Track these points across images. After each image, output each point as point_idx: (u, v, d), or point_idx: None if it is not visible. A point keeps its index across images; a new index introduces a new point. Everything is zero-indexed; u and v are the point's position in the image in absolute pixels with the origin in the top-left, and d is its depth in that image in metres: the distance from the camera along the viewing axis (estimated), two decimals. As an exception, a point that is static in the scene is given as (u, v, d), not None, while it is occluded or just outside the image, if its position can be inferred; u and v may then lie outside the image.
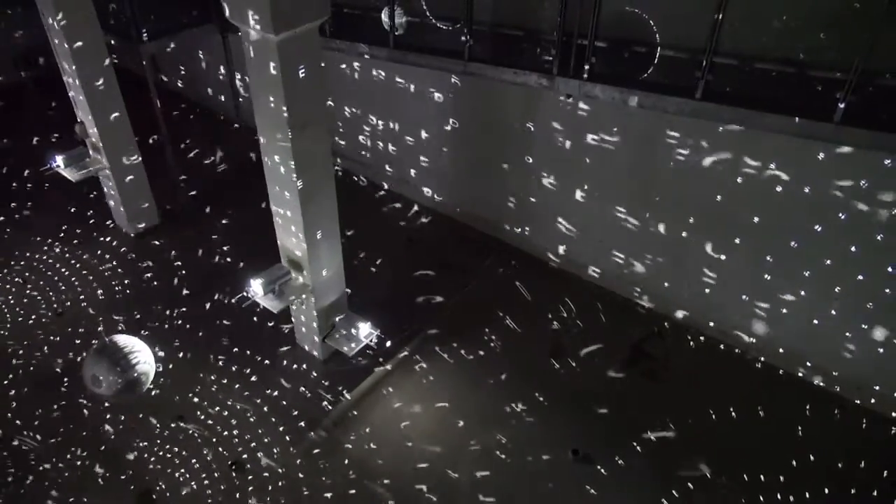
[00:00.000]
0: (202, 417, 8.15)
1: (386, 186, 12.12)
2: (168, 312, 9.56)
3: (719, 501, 7.20)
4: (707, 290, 8.80)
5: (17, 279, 10.25)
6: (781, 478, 7.29)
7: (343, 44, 9.31)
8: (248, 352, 8.95)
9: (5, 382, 8.63)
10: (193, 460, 7.68)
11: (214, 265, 10.36)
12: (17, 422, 8.13)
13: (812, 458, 7.45)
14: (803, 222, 7.51)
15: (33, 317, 9.61)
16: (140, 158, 10.61)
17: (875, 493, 7.17)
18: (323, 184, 7.41)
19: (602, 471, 7.51)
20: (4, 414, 8.23)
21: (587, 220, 9.50)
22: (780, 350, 8.51)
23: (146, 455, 7.75)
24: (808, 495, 7.16)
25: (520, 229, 10.55)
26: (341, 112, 11.69)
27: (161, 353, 8.73)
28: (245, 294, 7.72)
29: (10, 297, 9.92)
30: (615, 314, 9.41)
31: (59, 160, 10.03)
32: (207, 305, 9.63)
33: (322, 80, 6.82)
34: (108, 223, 11.33)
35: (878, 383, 7.90)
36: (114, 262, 10.58)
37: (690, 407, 8.07)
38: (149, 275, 10.29)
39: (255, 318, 9.19)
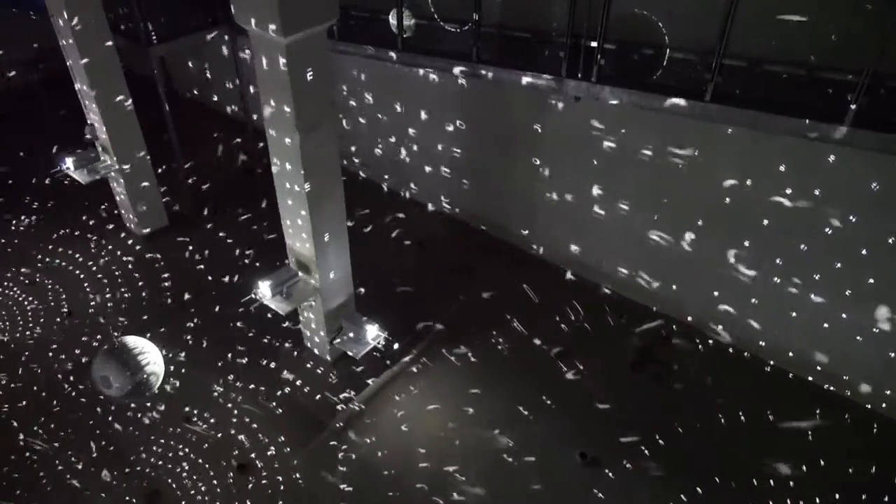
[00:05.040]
0: (210, 418, 8.18)
1: (394, 189, 12.13)
2: (177, 313, 9.60)
3: (728, 506, 7.17)
4: (716, 293, 8.75)
5: (27, 280, 10.32)
6: (791, 483, 7.24)
7: (351, 46, 9.33)
8: (256, 353, 8.96)
9: (15, 382, 8.69)
10: (201, 461, 7.70)
11: (223, 266, 10.39)
12: (27, 422, 8.17)
13: (822, 462, 7.39)
14: (813, 225, 7.45)
15: (43, 317, 9.67)
16: (149, 160, 10.67)
17: (886, 499, 7.10)
18: (331, 186, 7.42)
19: (609, 474, 7.48)
20: (14, 414, 8.29)
21: (595, 222, 9.46)
22: (790, 354, 8.45)
23: (154, 456, 7.77)
24: (818, 500, 7.10)
25: (527, 231, 10.53)
26: (348, 114, 11.70)
27: (170, 355, 8.78)
28: (253, 296, 7.74)
29: (20, 298, 9.99)
30: (623, 317, 9.37)
31: (70, 162, 10.10)
32: (215, 307, 9.66)
33: (330, 83, 6.83)
34: (117, 225, 11.40)
35: (890, 388, 7.83)
36: (123, 264, 10.64)
37: (698, 411, 8.03)
38: (158, 276, 10.33)
39: (262, 320, 9.20)
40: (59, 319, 9.64)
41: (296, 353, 9.00)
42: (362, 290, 8.97)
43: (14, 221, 11.48)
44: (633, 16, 7.22)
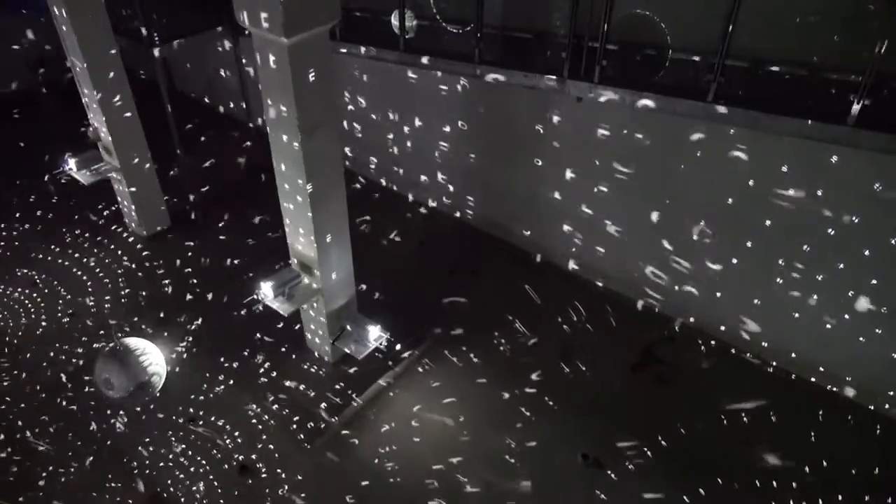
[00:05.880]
0: (212, 419, 8.18)
1: (396, 189, 12.13)
2: (179, 314, 9.60)
3: (731, 507, 7.15)
4: (718, 294, 8.74)
5: (29, 281, 10.33)
6: (794, 484, 7.22)
7: (353, 47, 9.34)
8: (258, 354, 8.96)
9: (17, 383, 8.70)
10: (203, 462, 7.70)
11: (225, 268, 10.40)
12: (29, 422, 8.18)
13: (825, 464, 7.38)
14: (816, 226, 7.44)
15: (45, 318, 9.68)
16: (152, 161, 10.69)
17: (890, 501, 7.09)
18: (333, 187, 7.42)
19: (612, 475, 7.47)
20: (16, 414, 8.30)
21: (597, 222, 9.46)
22: (793, 355, 8.43)
23: (156, 457, 7.77)
24: (821, 502, 7.08)
25: (529, 232, 10.52)
26: (350, 114, 11.71)
27: (172, 356, 8.78)
28: (255, 297, 7.74)
29: (22, 299, 10.00)
30: (625, 317, 9.36)
31: (72, 163, 10.12)
32: (218, 308, 9.66)
33: (332, 84, 6.83)
34: (119, 226, 11.41)
35: (893, 389, 7.81)
36: (125, 265, 10.65)
37: (701, 412, 8.01)
38: (160, 277, 10.34)
39: (264, 321, 9.20)
40: (60, 320, 9.65)
41: (298, 354, 9.00)
42: (363, 287, 8.97)
43: (17, 222, 11.50)
44: (635, 16, 7.22)
